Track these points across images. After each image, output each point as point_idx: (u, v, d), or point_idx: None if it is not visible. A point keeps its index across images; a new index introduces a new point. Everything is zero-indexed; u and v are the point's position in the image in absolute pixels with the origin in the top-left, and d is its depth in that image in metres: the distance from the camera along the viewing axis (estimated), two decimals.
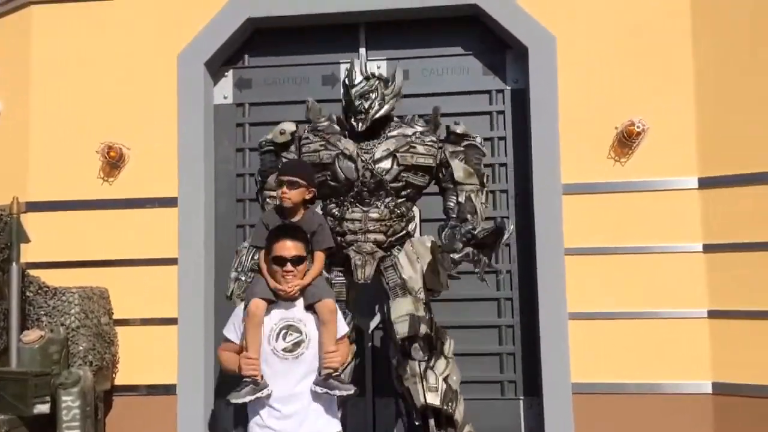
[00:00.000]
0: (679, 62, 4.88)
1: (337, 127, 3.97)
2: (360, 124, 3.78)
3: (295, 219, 3.35)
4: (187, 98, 5.21)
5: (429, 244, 3.92)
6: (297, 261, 3.09)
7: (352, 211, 3.85)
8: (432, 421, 3.74)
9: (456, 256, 3.69)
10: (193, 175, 5.15)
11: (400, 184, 3.88)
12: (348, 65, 3.94)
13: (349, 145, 3.86)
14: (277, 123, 4.12)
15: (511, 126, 5.16)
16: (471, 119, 5.12)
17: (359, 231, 3.83)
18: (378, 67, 5.27)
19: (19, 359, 4.44)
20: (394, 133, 3.89)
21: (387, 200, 3.87)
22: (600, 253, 4.82)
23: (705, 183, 4.77)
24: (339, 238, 3.82)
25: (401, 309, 3.75)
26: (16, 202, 4.68)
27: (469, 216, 3.83)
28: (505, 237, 3.68)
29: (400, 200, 3.91)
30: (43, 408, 4.21)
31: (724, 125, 4.74)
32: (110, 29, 5.31)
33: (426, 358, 3.75)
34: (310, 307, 3.15)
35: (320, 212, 3.79)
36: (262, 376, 3.02)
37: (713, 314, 4.68)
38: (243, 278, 3.91)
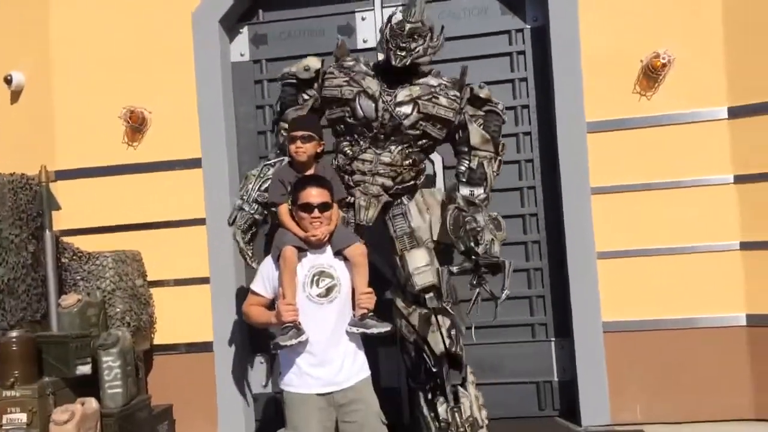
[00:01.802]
0: None
1: (363, 67, 3.93)
2: (399, 60, 3.71)
3: (308, 173, 3.37)
4: (203, 57, 5.19)
5: (439, 198, 3.91)
6: (324, 207, 3.17)
7: (365, 152, 3.84)
8: (446, 366, 3.77)
9: (454, 269, 3.61)
10: (215, 135, 5.16)
11: (417, 132, 3.84)
12: (410, 3, 3.81)
13: (372, 84, 3.83)
14: None
15: (533, 66, 5.03)
16: (490, 61, 5.07)
17: (368, 172, 3.83)
18: (394, 13, 5.18)
19: (59, 323, 4.59)
20: (420, 81, 3.85)
21: (401, 147, 3.84)
22: (628, 190, 4.73)
23: (735, 112, 4.61)
24: (347, 177, 3.84)
25: (419, 260, 3.75)
26: (45, 171, 4.79)
27: (476, 184, 3.81)
28: (506, 281, 3.55)
29: (414, 149, 3.88)
30: (84, 369, 4.36)
31: (755, 51, 4.55)
32: None
33: (439, 306, 3.75)
34: (337, 253, 3.22)
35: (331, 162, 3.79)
36: (300, 322, 3.09)
37: (746, 246, 4.59)
38: (246, 208, 3.97)
